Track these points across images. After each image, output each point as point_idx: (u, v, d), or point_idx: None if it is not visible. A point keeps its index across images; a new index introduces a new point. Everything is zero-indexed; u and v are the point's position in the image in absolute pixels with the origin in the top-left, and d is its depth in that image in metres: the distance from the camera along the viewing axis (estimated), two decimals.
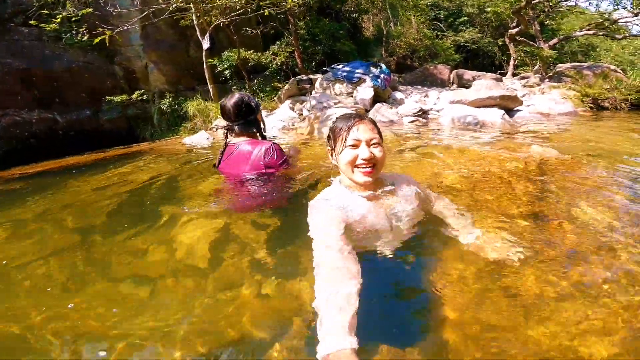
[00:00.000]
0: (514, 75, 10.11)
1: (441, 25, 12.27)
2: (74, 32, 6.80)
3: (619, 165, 2.30)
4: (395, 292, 1.05)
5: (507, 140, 3.35)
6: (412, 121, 4.59)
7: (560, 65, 9.53)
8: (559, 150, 2.53)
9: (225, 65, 7.22)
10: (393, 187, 1.18)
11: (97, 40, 5.05)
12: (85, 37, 6.87)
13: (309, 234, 1.01)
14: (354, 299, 0.76)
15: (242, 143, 1.94)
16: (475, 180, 2.01)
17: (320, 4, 8.18)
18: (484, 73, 8.91)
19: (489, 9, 10.60)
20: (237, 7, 5.87)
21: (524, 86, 8.32)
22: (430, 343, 0.85)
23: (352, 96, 5.22)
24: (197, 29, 6.60)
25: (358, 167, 1.06)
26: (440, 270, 1.08)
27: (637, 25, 9.16)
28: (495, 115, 4.24)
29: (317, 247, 0.93)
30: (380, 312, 0.92)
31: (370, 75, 5.21)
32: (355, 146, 1.05)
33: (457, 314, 0.90)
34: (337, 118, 1.16)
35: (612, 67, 9.17)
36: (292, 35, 7.07)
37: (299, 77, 6.27)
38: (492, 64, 12.96)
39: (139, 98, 6.91)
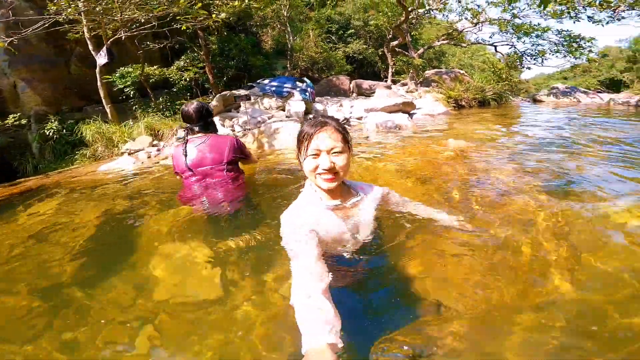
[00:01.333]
0: (393, 82, 11.88)
1: (333, 37, 13.55)
2: None
3: (499, 144, 3.49)
4: (360, 290, 1.17)
5: (427, 138, 4.24)
6: None
7: (427, 72, 11.75)
8: (465, 140, 3.50)
9: (128, 82, 6.50)
10: (359, 198, 1.23)
11: None
12: None
13: (281, 243, 1.08)
14: (328, 297, 0.82)
15: (208, 137, 2.15)
16: (427, 166, 2.76)
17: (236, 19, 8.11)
18: (378, 82, 10.29)
19: (371, 22, 12.21)
20: (142, 20, 5.44)
21: (407, 92, 10.01)
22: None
23: (283, 110, 5.48)
24: (88, 43, 5.79)
25: (320, 175, 1.09)
26: (398, 268, 1.28)
27: (475, 34, 12.00)
28: (404, 119, 5.21)
29: (292, 255, 0.99)
30: (348, 312, 0.99)
31: (298, 89, 5.59)
32: (316, 155, 1.08)
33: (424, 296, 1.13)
34: (306, 121, 1.16)
35: (461, 71, 11.80)
36: (203, 50, 6.87)
37: (234, 92, 6.12)
38: (374, 73, 14.95)
39: (16, 122, 5.61)
